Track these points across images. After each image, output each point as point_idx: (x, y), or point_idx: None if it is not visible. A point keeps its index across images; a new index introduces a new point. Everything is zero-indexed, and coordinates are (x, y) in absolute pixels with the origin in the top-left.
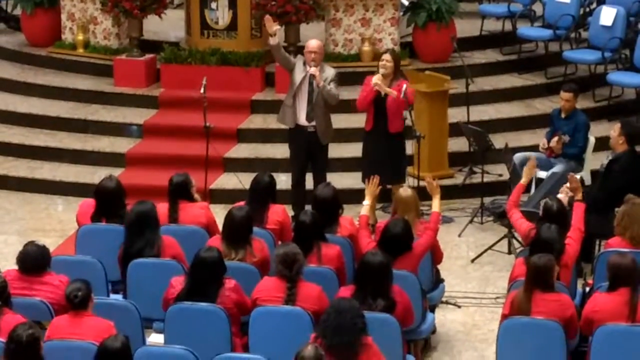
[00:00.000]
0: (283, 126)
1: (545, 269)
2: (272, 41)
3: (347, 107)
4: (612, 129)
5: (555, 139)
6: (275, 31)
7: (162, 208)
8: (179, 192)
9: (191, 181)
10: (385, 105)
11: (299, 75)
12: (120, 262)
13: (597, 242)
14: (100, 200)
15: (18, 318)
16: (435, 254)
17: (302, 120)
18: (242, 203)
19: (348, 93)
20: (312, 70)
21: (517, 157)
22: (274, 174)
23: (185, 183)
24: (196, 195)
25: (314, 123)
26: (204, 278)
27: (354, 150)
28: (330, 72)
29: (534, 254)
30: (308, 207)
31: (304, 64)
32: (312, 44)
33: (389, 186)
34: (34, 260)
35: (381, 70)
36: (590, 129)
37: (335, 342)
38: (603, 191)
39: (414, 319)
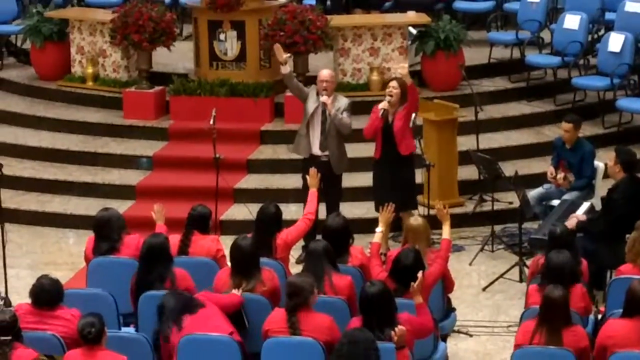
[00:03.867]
0: (293, 156)
1: (559, 304)
2: (284, 70)
3: (357, 136)
4: (608, 158)
5: (561, 175)
6: (286, 59)
7: (174, 239)
8: (198, 223)
9: (211, 213)
10: (392, 132)
11: (311, 105)
12: (132, 293)
13: (609, 270)
14: (96, 230)
15: (30, 352)
16: (446, 283)
17: (316, 149)
18: (249, 235)
19: (357, 122)
20: (324, 98)
21: (533, 196)
22: (284, 205)
23: (208, 216)
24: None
25: (327, 153)
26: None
27: (365, 179)
28: (343, 101)
29: (545, 281)
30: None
31: (317, 93)
32: (324, 73)
33: (400, 214)
34: (48, 294)
35: (387, 98)
36: (596, 156)
37: None
38: (606, 221)
39: (431, 330)
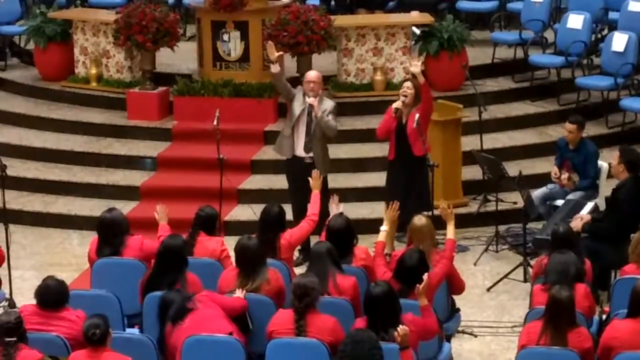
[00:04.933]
0: None
1: (566, 305)
2: (274, 69)
3: (361, 137)
4: (612, 158)
5: (565, 176)
6: (277, 58)
7: None
8: (206, 224)
9: (217, 215)
10: (406, 133)
11: (298, 106)
12: (141, 291)
13: (614, 270)
14: (100, 233)
15: (34, 354)
16: (454, 284)
17: (300, 151)
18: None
19: (361, 122)
20: (311, 100)
21: (537, 196)
22: (288, 205)
23: (215, 217)
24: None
25: (311, 154)
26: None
27: (368, 180)
28: (328, 104)
29: (549, 282)
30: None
31: (304, 95)
32: (311, 74)
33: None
34: (53, 295)
35: (402, 98)
36: (599, 156)
37: None
38: (611, 221)
39: (435, 332)
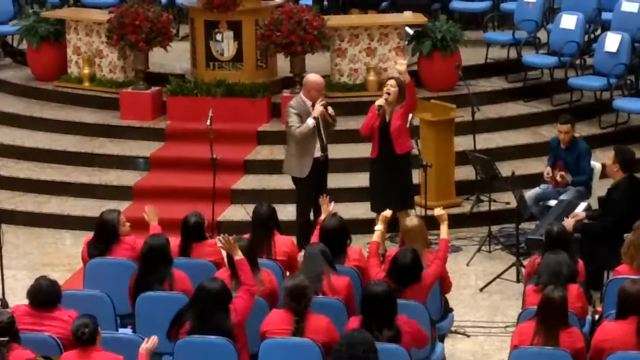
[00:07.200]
0: None
1: (559, 305)
2: (312, 123)
3: (354, 136)
4: (607, 157)
5: (560, 173)
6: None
7: (173, 242)
8: (195, 233)
9: (204, 220)
10: (389, 131)
11: (311, 119)
12: (130, 294)
13: (608, 270)
14: (97, 232)
15: (27, 353)
16: (444, 283)
17: (319, 153)
18: (246, 236)
19: (354, 123)
20: (330, 110)
21: (530, 196)
22: (282, 205)
23: (201, 224)
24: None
25: (326, 153)
26: (210, 308)
27: (361, 180)
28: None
29: (542, 282)
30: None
31: (311, 105)
32: (319, 82)
33: (397, 214)
34: (46, 295)
35: (385, 96)
36: (592, 156)
37: None
38: (606, 221)
39: (427, 340)
